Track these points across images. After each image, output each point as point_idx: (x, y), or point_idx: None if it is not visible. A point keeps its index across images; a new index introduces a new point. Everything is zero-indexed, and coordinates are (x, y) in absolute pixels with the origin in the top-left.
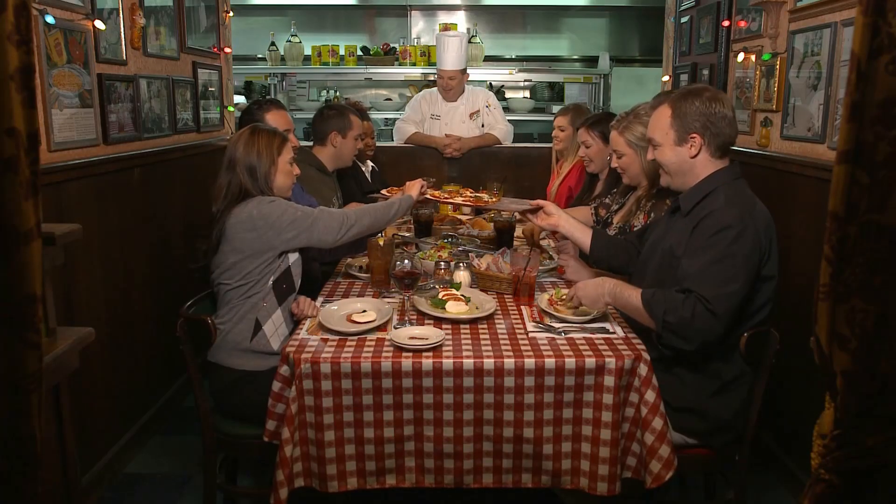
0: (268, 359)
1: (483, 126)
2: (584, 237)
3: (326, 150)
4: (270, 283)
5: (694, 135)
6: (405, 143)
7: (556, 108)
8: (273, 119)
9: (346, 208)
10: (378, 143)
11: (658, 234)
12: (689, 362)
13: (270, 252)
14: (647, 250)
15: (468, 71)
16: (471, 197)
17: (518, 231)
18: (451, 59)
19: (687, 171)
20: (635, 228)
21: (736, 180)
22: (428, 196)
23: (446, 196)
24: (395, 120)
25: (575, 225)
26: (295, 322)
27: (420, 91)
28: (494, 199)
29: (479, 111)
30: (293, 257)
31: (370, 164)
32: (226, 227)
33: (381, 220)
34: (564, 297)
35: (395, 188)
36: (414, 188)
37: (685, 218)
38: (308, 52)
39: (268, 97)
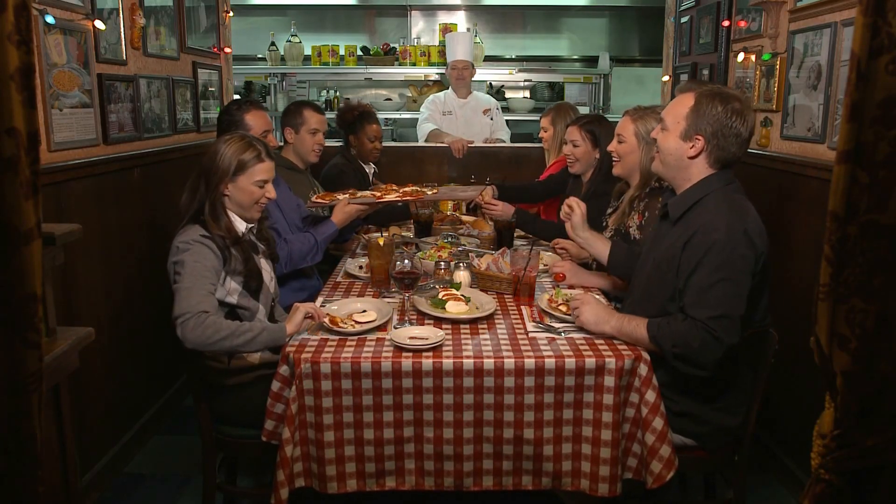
0: (255, 370)
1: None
2: (603, 249)
3: (287, 148)
4: (223, 316)
5: (699, 137)
6: (425, 143)
7: None
8: (252, 119)
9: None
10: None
11: (650, 239)
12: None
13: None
14: (642, 257)
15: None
16: (410, 192)
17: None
18: (462, 50)
19: (680, 168)
20: (630, 229)
21: (728, 185)
22: (360, 197)
23: (379, 195)
24: (395, 120)
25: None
26: None
27: (423, 92)
28: (434, 191)
29: (490, 109)
30: (235, 293)
31: (372, 166)
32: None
33: (243, 346)
34: (569, 299)
35: (328, 193)
36: (293, 318)
37: (674, 227)
38: (308, 52)
39: (247, 98)
